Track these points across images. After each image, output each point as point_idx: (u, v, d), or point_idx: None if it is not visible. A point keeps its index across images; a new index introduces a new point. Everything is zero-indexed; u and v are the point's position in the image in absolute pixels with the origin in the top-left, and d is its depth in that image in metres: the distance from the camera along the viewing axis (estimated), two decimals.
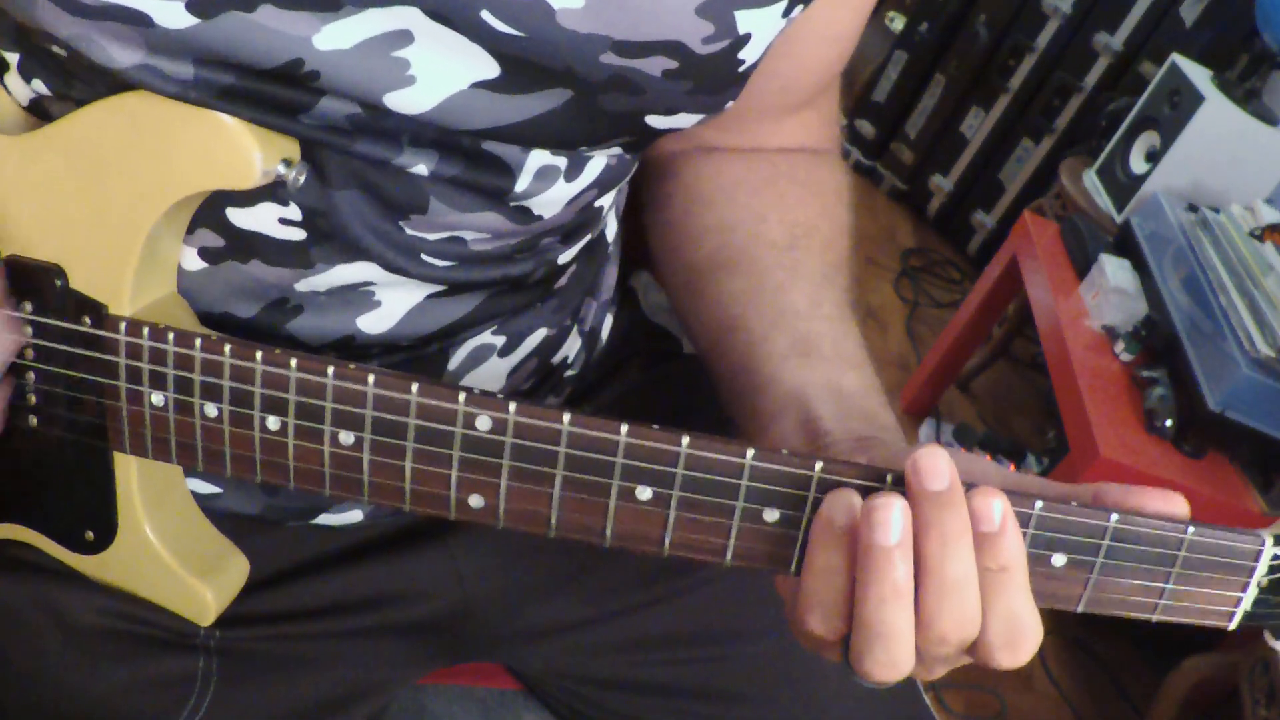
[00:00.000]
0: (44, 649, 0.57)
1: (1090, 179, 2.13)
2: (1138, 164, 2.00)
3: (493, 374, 0.63)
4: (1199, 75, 1.93)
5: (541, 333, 0.65)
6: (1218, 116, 1.86)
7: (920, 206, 3.11)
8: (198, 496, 0.57)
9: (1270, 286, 1.53)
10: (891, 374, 2.44)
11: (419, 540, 0.65)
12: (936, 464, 0.42)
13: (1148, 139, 1.99)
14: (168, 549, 0.54)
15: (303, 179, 0.48)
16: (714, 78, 0.52)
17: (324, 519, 0.63)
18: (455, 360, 0.61)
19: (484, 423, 0.45)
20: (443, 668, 0.71)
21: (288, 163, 0.47)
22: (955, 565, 0.42)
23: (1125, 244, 1.81)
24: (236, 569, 0.57)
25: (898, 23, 3.09)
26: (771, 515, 0.45)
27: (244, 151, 0.46)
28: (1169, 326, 1.57)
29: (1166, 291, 1.63)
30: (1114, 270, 1.71)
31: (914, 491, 0.42)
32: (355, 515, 0.64)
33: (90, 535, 0.54)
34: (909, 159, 3.13)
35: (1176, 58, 1.99)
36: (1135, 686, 1.84)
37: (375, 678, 0.66)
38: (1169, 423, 1.46)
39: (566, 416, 0.44)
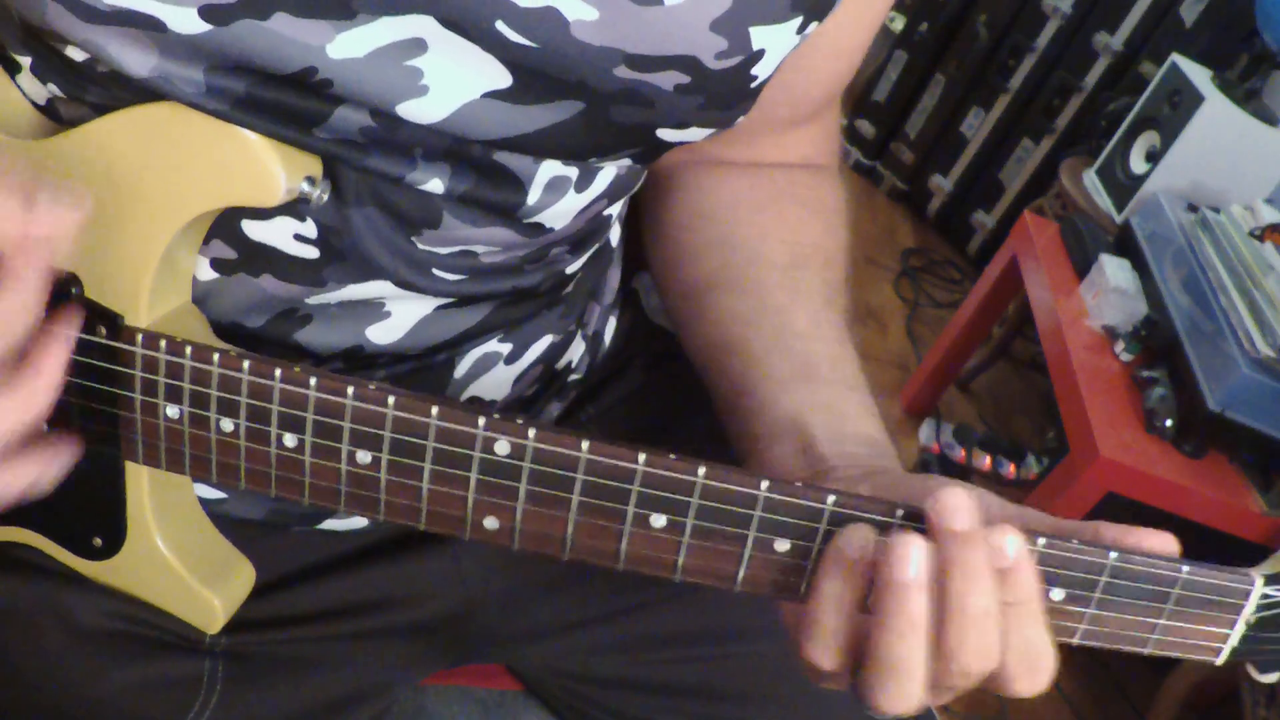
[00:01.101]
0: (49, 651, 0.57)
1: (1090, 179, 2.13)
2: (1138, 164, 2.00)
3: (499, 381, 0.63)
4: (1199, 75, 1.93)
5: (547, 339, 0.65)
6: (1218, 116, 1.86)
7: (920, 206, 3.11)
8: (203, 501, 0.57)
9: (1270, 286, 1.53)
10: (891, 374, 2.44)
11: (422, 543, 0.66)
12: (959, 502, 0.42)
13: (1148, 139, 1.99)
14: (176, 557, 0.54)
15: (325, 197, 0.48)
16: (726, 93, 0.52)
17: (329, 524, 0.63)
18: (461, 368, 0.61)
19: (503, 447, 0.45)
20: (444, 669, 0.71)
21: (311, 180, 0.47)
22: (978, 600, 0.42)
23: (1125, 244, 1.81)
24: (243, 577, 0.57)
25: (898, 23, 3.08)
26: (783, 545, 0.45)
27: (268, 169, 0.45)
28: (1169, 326, 1.57)
29: (1166, 291, 1.63)
30: (1114, 270, 1.71)
31: (936, 529, 0.43)
32: (360, 520, 0.64)
33: (98, 541, 0.54)
34: (909, 159, 3.12)
35: (1176, 58, 1.98)
36: (1135, 686, 1.84)
37: (379, 679, 0.66)
38: (1169, 423, 1.46)
39: (585, 444, 0.44)
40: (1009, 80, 2.80)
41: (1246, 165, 1.89)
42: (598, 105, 0.50)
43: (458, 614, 0.67)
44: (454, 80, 0.47)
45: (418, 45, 0.46)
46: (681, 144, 0.55)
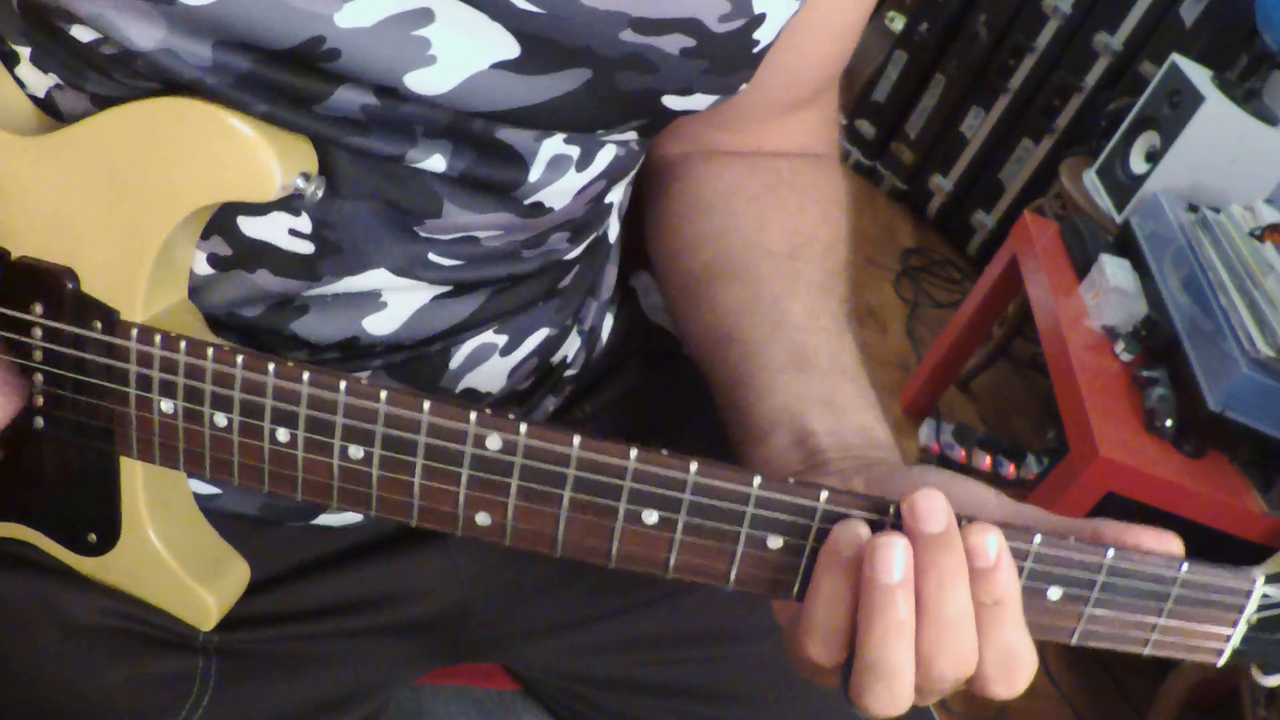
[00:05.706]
0: (43, 647, 0.57)
1: (1090, 179, 2.13)
2: (1138, 164, 2.00)
3: (493, 373, 0.63)
4: (1199, 75, 1.93)
5: (543, 332, 0.64)
6: (1218, 116, 1.86)
7: (920, 206, 3.11)
8: (196, 496, 0.57)
9: (1270, 286, 1.53)
10: (891, 374, 2.44)
11: (417, 540, 0.65)
12: (933, 506, 0.42)
13: (1148, 139, 1.99)
14: (170, 553, 0.54)
15: (320, 192, 0.48)
16: (729, 57, 0.52)
17: (323, 519, 0.63)
18: (457, 359, 0.61)
19: (494, 442, 0.45)
20: (441, 667, 0.71)
21: (306, 176, 0.47)
22: (952, 605, 0.42)
23: (1125, 244, 1.81)
24: (237, 574, 0.57)
25: (898, 23, 3.08)
26: (775, 542, 0.45)
27: (264, 165, 0.45)
28: (1169, 326, 1.57)
29: (1166, 291, 1.63)
30: (1114, 270, 1.71)
31: (911, 533, 0.42)
32: (354, 516, 0.64)
33: (93, 538, 0.54)
34: (909, 159, 3.12)
35: (1176, 58, 1.98)
36: (1135, 686, 1.84)
37: (374, 678, 0.66)
38: (1169, 423, 1.46)
39: (576, 439, 0.44)
40: (1009, 80, 2.80)
41: (1246, 165, 1.89)
42: (604, 73, 0.50)
43: (453, 613, 0.67)
44: (462, 50, 0.47)
45: (425, 15, 0.46)
46: (686, 113, 0.55)
